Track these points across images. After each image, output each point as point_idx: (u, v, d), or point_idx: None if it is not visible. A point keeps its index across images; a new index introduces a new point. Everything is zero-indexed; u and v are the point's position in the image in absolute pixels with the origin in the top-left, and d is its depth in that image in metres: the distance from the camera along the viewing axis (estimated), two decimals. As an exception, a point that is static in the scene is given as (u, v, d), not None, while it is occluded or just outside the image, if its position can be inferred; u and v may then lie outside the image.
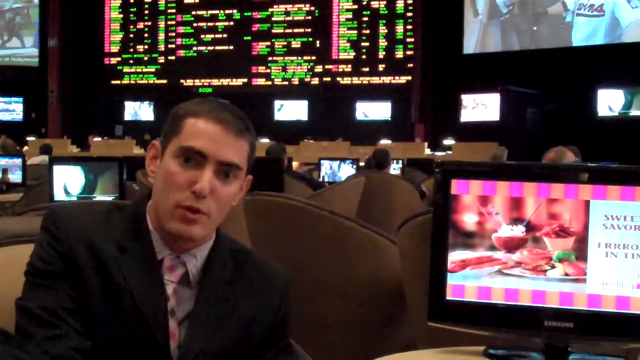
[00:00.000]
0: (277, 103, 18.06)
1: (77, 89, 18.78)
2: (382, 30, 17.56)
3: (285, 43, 18.11)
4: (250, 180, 1.35)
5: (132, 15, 19.00)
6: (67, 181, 3.99)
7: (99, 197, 3.92)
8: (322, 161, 7.74)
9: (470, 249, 1.49)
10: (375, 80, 17.61)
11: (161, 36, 18.87)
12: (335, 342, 2.63)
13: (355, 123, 17.31)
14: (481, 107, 15.46)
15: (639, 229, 1.42)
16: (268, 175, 4.81)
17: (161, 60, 18.84)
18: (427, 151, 13.21)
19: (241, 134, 1.28)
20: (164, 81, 18.66)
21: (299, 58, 18.05)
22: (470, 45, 15.67)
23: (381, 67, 17.59)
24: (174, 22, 18.80)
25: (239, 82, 18.36)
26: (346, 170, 7.40)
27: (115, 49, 19.07)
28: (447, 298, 1.49)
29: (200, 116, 1.27)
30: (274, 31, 18.19)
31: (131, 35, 19.01)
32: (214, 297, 1.29)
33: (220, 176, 1.26)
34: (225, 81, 18.39)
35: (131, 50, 18.99)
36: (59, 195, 3.98)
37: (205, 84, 18.39)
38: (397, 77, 17.42)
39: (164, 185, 1.26)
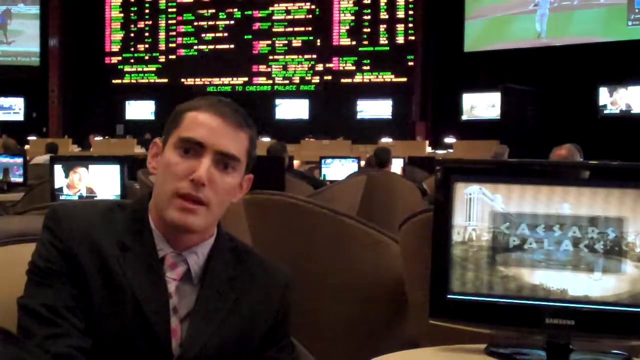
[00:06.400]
0: (278, 101, 18.05)
1: (78, 88, 18.76)
2: (383, 28, 17.53)
3: (286, 42, 18.08)
4: (251, 179, 1.35)
5: (132, 14, 18.98)
6: (68, 180, 3.99)
7: (100, 197, 3.92)
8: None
9: (472, 246, 1.49)
10: (376, 78, 17.59)
11: (162, 35, 18.85)
12: (337, 340, 2.63)
13: (356, 121, 17.28)
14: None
15: (641, 226, 1.42)
16: (269, 173, 4.81)
17: (162, 59, 18.82)
18: (428, 149, 13.21)
19: (240, 126, 1.30)
20: (165, 80, 18.64)
21: (300, 57, 18.03)
22: (471, 43, 15.64)
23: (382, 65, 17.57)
24: (174, 21, 18.79)
25: (239, 80, 18.35)
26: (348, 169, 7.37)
27: (116, 48, 19.05)
28: (449, 296, 1.49)
29: (200, 110, 1.29)
30: (274, 30, 18.17)
31: (132, 35, 18.99)
32: (216, 294, 1.29)
33: (219, 167, 1.27)
34: (226, 80, 18.38)
35: (132, 49, 18.97)
36: (60, 194, 3.98)
37: (206, 82, 18.38)
38: (398, 76, 17.40)
39: (163, 175, 1.27)
